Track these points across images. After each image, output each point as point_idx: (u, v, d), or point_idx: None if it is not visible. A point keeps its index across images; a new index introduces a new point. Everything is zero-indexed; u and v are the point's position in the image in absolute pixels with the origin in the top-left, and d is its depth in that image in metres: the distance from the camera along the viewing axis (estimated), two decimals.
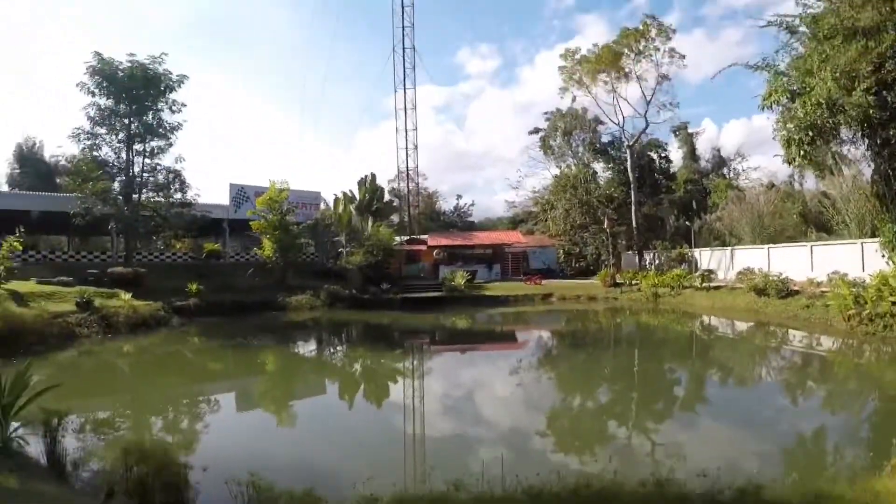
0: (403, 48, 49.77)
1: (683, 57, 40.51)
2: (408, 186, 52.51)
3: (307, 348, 19.46)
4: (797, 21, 19.56)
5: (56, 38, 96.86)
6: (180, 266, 32.88)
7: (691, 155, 52.60)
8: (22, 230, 21.05)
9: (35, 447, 6.29)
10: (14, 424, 6.15)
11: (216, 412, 10.66)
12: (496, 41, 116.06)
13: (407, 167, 51.12)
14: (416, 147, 50.66)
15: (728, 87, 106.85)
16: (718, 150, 54.99)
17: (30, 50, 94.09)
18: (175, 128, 29.19)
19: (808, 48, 19.11)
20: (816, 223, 35.06)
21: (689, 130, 52.85)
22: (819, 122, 18.10)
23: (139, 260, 30.70)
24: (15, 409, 6.06)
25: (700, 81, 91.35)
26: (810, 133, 18.51)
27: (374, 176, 45.92)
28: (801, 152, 19.04)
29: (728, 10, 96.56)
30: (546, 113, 51.01)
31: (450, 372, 14.77)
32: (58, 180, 32.99)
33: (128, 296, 21.91)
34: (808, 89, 18.37)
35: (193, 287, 25.66)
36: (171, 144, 29.25)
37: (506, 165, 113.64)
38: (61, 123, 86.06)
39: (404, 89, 49.88)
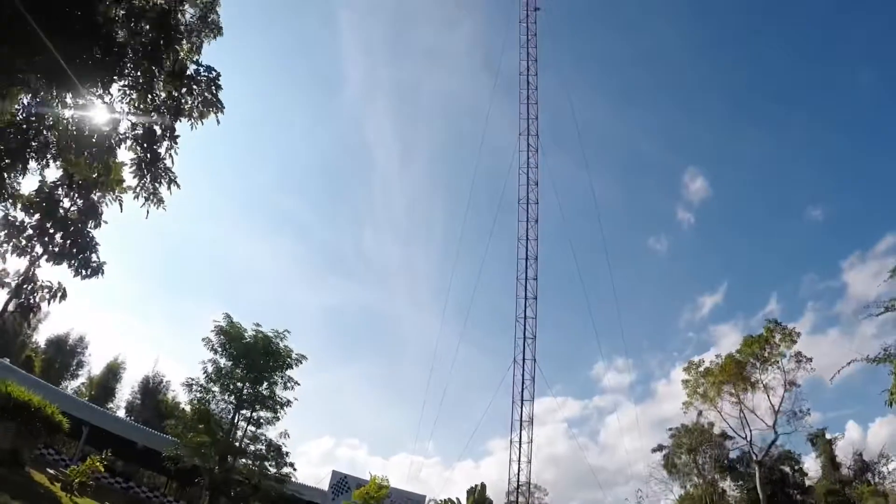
0: (524, 359, 49.32)
1: (810, 360, 38.83)
2: (517, 500, 47.20)
3: None
4: None
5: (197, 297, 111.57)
6: None
7: (831, 463, 45.36)
8: (109, 452, 20.93)
9: None
10: None
11: None
12: (633, 355, 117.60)
13: (518, 480, 46.68)
14: (529, 461, 46.90)
15: (871, 384, 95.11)
16: (860, 454, 47.15)
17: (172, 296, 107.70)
18: (285, 403, 29.36)
19: None
20: None
21: (829, 436, 46.79)
22: None
23: None
24: None
25: (840, 383, 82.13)
26: None
27: (483, 486, 43.19)
28: None
29: (860, 303, 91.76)
30: (670, 429, 48.41)
31: None
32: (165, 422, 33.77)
33: None
34: None
35: None
36: (278, 418, 29.18)
37: (639, 483, 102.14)
38: (184, 370, 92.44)
39: (522, 400, 48.20)
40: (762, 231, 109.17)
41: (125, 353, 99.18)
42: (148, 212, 9.47)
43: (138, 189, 9.41)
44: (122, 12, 8.09)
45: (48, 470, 19.85)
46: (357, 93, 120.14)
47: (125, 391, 51.99)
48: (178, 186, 9.41)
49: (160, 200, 9.44)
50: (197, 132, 9.07)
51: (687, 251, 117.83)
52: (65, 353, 50.59)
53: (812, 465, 46.60)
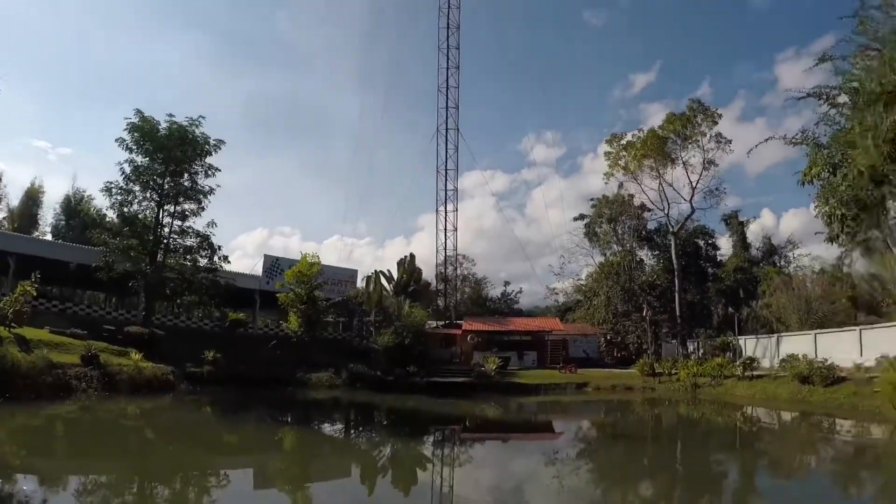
0: (447, 129, 48.70)
1: (730, 142, 40.17)
2: (445, 268, 50.25)
3: (325, 428, 17.50)
4: (837, 91, 18.35)
5: (116, 99, 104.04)
6: (204, 333, 31.81)
7: (742, 244, 50.00)
8: (38, 275, 20.54)
9: None
10: None
11: (222, 488, 8.69)
12: (561, 128, 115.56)
13: (445, 249, 49.13)
14: (455, 229, 48.67)
15: (788, 177, 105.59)
16: (769, 238, 52.22)
17: (89, 107, 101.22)
18: (208, 192, 28.99)
19: (850, 120, 17.82)
20: (867, 307, 32.98)
21: (742, 219, 50.53)
22: (862, 194, 16.31)
23: (161, 322, 29.42)
24: None
25: (761, 172, 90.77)
26: (853, 207, 16.94)
27: (412, 257, 44.37)
28: (845, 228, 17.32)
29: (789, 97, 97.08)
30: (591, 199, 50.34)
31: (480, 461, 12.70)
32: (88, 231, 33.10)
33: (138, 356, 21.16)
34: (849, 161, 16.91)
35: (210, 355, 24.70)
36: (203, 208, 29.00)
37: (564, 254, 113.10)
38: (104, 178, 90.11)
39: (446, 170, 48.55)
40: (705, 13, 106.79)
41: (42, 177, 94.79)
42: None
43: None
44: None
45: None
46: None
47: (48, 216, 49.54)
48: None
49: None
50: None
51: (624, 27, 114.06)
52: None
53: (724, 245, 50.62)
